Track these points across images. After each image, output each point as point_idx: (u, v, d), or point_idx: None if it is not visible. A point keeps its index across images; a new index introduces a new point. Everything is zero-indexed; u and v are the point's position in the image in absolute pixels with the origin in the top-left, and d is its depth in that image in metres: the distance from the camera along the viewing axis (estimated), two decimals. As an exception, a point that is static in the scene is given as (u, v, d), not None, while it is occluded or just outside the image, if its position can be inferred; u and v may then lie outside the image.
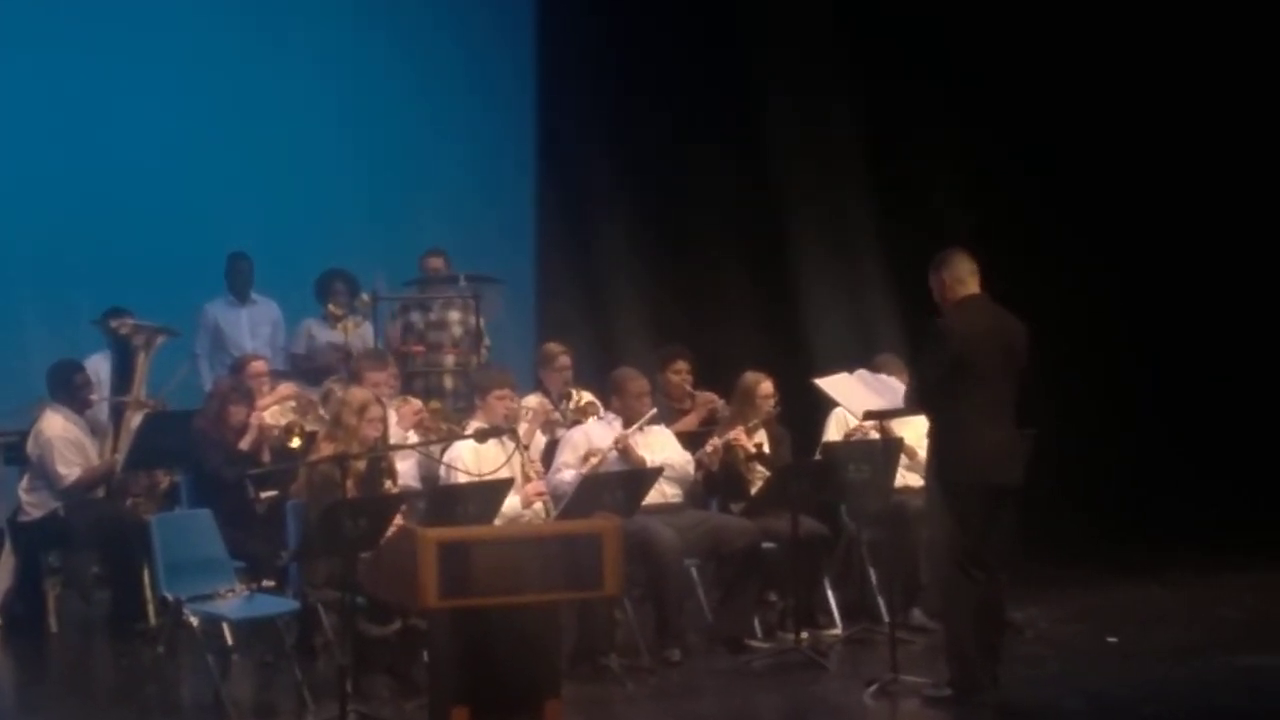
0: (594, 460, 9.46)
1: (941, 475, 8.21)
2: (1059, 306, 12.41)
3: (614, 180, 13.58)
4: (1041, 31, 12.61)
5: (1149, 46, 12.48)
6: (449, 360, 11.75)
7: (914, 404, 8.47)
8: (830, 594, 9.89)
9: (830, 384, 9.19)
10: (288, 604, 8.68)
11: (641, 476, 9.32)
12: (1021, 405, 8.36)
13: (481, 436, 8.98)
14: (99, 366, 11.06)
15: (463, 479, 8.95)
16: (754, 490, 9.86)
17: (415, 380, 11.60)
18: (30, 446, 10.38)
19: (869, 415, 9.07)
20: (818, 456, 9.93)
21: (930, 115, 12.73)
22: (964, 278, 8.29)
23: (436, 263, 12.08)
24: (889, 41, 12.92)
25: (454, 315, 11.87)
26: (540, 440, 10.18)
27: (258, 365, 10.77)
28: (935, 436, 8.34)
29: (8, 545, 10.48)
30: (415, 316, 11.91)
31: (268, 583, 9.08)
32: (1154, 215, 12.61)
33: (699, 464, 9.90)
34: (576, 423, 10.11)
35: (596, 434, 9.69)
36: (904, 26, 12.87)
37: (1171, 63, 12.45)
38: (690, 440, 10.10)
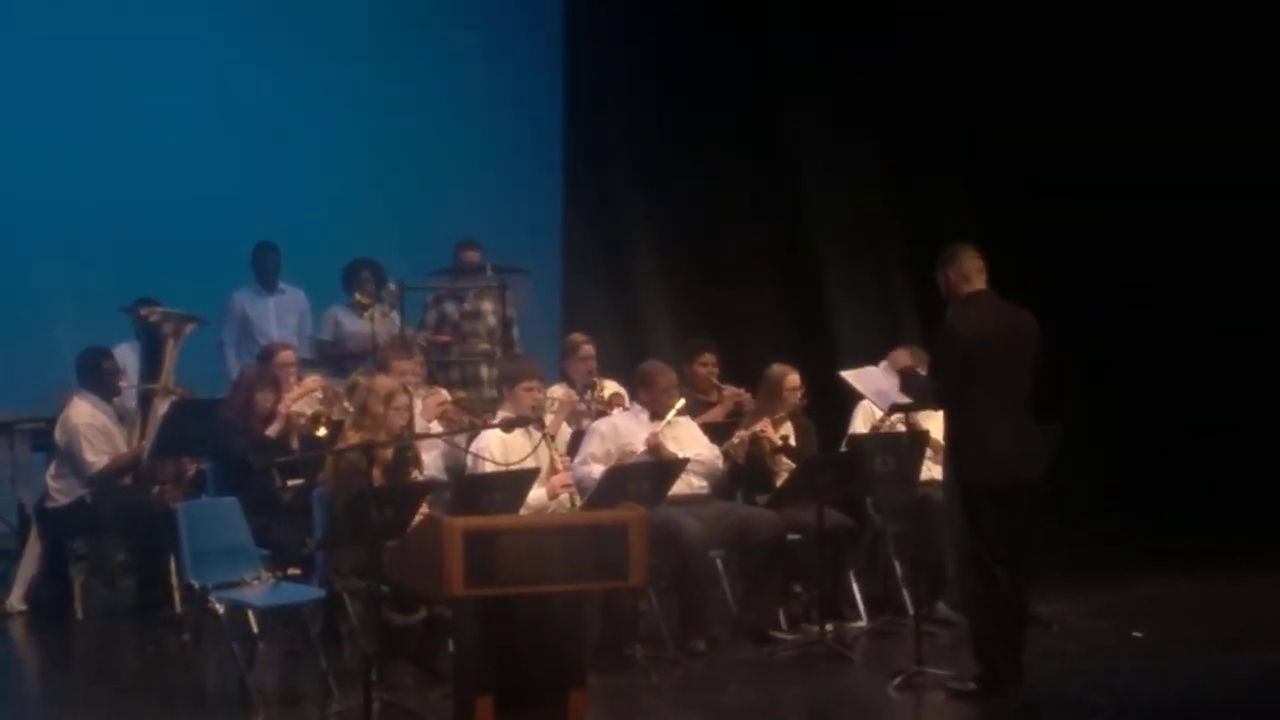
0: (629, 462, 9.43)
1: (955, 474, 8.20)
2: (1089, 299, 12.42)
3: (641, 173, 13.60)
4: (1041, 35, 12.61)
5: (1149, 47, 12.46)
6: (484, 349, 11.77)
7: (933, 402, 8.49)
8: (855, 586, 9.88)
9: (857, 376, 9.21)
10: (313, 592, 8.67)
11: (668, 468, 9.30)
12: (1047, 400, 8.34)
13: (508, 426, 8.97)
14: (126, 356, 11.09)
15: (489, 469, 8.95)
16: (779, 482, 9.84)
17: (451, 370, 11.63)
18: (58, 434, 10.41)
19: (894, 408, 9.07)
20: (843, 449, 9.93)
21: (947, 115, 12.74)
22: (970, 275, 8.27)
23: (473, 255, 12.00)
24: (909, 42, 12.92)
25: (488, 305, 11.89)
26: (566, 431, 10.17)
27: (286, 354, 10.72)
28: (948, 435, 8.36)
29: (34, 532, 10.52)
30: (450, 307, 11.95)
31: (293, 571, 9.08)
32: (1163, 212, 12.58)
33: (724, 456, 9.88)
34: (602, 413, 10.10)
35: (624, 425, 9.67)
36: (921, 30, 12.88)
37: (1168, 67, 12.43)
38: (715, 432, 10.07)
